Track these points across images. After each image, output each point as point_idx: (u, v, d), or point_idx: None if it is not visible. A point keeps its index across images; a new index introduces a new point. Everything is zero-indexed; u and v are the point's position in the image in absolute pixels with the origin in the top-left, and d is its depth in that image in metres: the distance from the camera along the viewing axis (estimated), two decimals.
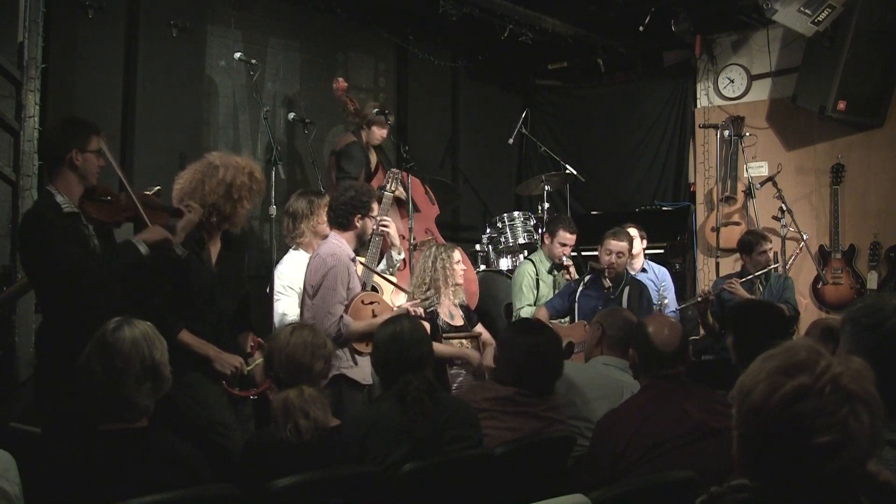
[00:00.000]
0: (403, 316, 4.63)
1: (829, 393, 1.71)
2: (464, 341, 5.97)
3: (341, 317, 5.13)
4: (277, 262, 5.99)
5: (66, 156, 3.92)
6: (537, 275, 7.08)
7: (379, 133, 7.47)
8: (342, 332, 5.08)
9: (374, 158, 7.55)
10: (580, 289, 6.51)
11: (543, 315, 6.46)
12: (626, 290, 6.50)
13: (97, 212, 4.05)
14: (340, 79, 7.63)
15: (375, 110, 7.44)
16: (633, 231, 7.29)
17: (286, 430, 3.32)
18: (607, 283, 6.48)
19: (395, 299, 5.93)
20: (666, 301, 7.14)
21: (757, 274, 6.81)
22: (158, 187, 4.81)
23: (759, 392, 1.75)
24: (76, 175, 3.96)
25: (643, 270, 7.39)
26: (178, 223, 4.33)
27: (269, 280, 5.74)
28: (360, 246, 6.93)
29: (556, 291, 6.87)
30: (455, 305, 6.05)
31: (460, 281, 6.01)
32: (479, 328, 6.11)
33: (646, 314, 6.30)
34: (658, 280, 7.39)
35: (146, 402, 2.93)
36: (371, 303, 5.34)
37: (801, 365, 1.74)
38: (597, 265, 6.52)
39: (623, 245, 6.49)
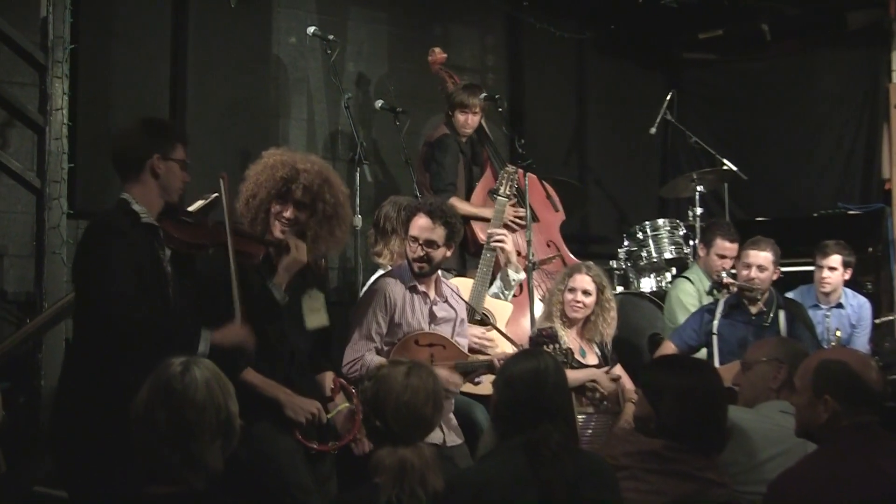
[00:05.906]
0: (545, 352, 4.55)
1: None
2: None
3: (362, 356, 5.14)
4: (364, 285, 6.00)
5: (147, 161, 4.05)
6: (699, 296, 6.97)
7: (462, 119, 7.18)
8: (361, 374, 5.01)
9: (482, 152, 7.49)
10: (718, 318, 6.37)
11: (670, 350, 6.39)
12: (782, 314, 6.37)
13: (177, 230, 4.16)
14: (437, 49, 7.57)
15: (463, 86, 7.24)
16: (836, 258, 7.16)
17: (392, 496, 3.25)
18: (755, 308, 6.36)
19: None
20: (839, 334, 6.97)
21: None
22: (216, 194, 4.85)
23: None
24: (157, 184, 4.09)
25: (839, 306, 7.28)
26: (281, 261, 4.39)
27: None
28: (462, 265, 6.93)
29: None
30: (587, 341, 6.08)
31: (574, 314, 6.00)
32: (619, 370, 6.05)
33: (811, 344, 6.16)
34: (853, 316, 7.28)
35: (216, 461, 2.91)
36: (430, 345, 5.25)
37: None
38: (743, 284, 6.36)
39: (766, 256, 6.36)
